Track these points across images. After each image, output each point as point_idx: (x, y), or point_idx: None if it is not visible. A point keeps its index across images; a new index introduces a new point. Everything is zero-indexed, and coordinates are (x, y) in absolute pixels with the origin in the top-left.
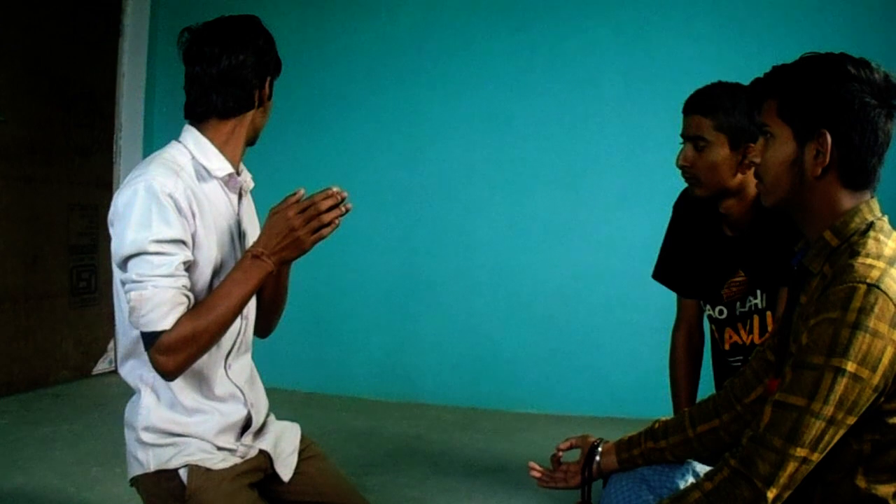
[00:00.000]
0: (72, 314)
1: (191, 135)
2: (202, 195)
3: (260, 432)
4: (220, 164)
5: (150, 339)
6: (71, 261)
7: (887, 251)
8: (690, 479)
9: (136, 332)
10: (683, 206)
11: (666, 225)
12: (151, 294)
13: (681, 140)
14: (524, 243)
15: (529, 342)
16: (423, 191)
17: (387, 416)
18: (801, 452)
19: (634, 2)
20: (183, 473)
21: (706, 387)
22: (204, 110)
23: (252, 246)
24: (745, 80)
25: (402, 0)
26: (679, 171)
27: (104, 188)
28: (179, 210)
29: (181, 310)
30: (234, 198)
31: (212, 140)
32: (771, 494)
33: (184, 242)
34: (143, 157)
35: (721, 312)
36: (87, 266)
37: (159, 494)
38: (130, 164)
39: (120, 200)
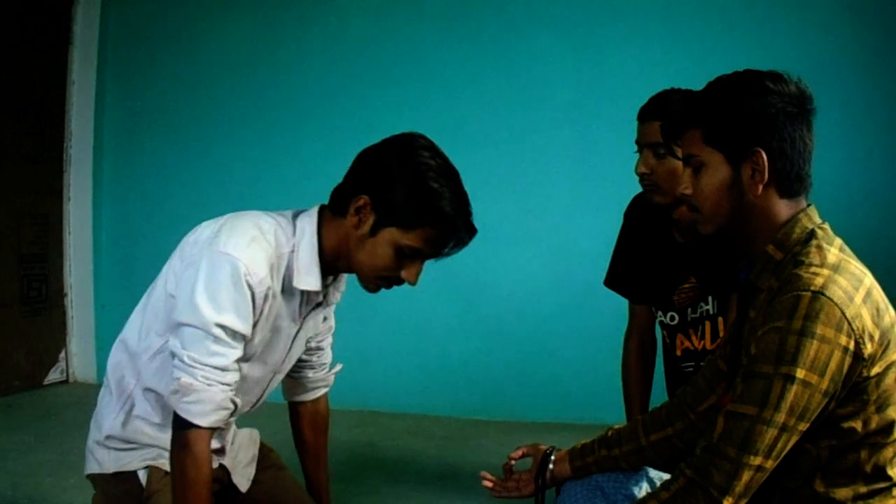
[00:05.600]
0: (22, 323)
1: (308, 226)
2: (278, 296)
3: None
4: (309, 281)
5: (181, 423)
6: (21, 269)
7: (831, 258)
8: (645, 486)
9: (154, 336)
10: (634, 213)
11: (617, 232)
12: (201, 388)
13: (636, 147)
14: (475, 250)
15: (480, 348)
16: None
17: (337, 423)
18: (755, 460)
19: (584, 9)
20: (142, 475)
21: (658, 392)
22: (333, 193)
23: None
24: (695, 87)
25: (353, 8)
26: (628, 178)
27: (55, 196)
28: (254, 302)
29: (224, 415)
30: (307, 307)
31: (322, 240)
32: (727, 503)
33: (244, 337)
34: (94, 165)
35: (673, 318)
36: (38, 275)
37: (115, 494)
38: (80, 173)
39: (204, 257)
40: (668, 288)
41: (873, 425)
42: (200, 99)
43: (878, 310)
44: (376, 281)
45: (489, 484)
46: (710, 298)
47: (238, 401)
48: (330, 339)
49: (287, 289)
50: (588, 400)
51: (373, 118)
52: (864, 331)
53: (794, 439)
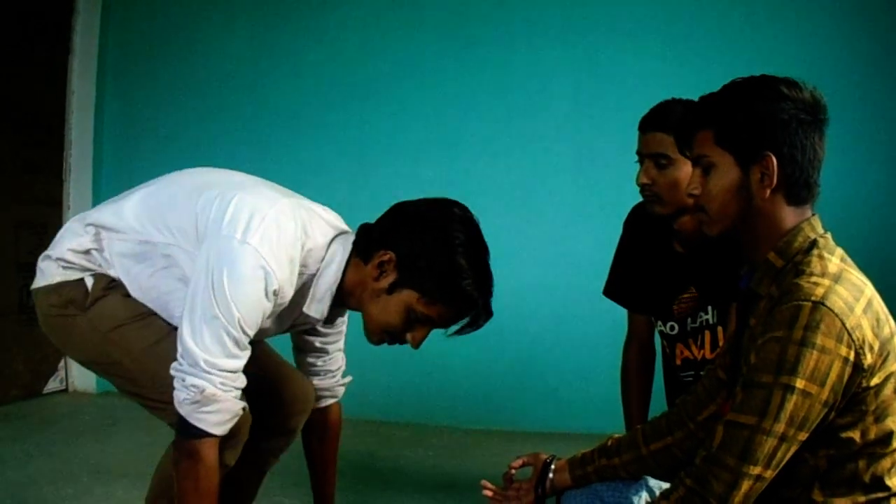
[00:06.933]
0: (21, 333)
1: (340, 257)
2: (284, 304)
3: None
4: (318, 308)
5: (194, 432)
6: (20, 279)
7: (832, 268)
8: (644, 495)
9: (152, 227)
10: (634, 223)
11: (616, 241)
12: (222, 398)
13: (636, 158)
14: None
15: (479, 358)
16: (371, 209)
17: None
18: (754, 470)
19: (582, 19)
20: (88, 281)
21: (658, 402)
22: (361, 232)
23: None
24: (696, 97)
25: (351, 19)
26: (627, 187)
27: (54, 206)
28: (271, 306)
29: (234, 422)
30: (297, 326)
31: (345, 277)
32: None
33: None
34: (93, 176)
35: (672, 328)
36: None
37: (59, 303)
38: (80, 183)
39: (247, 255)
40: (668, 298)
41: (872, 435)
42: (199, 110)
43: (878, 320)
44: (380, 335)
45: (489, 493)
46: (709, 308)
47: (246, 407)
48: (339, 344)
49: (290, 304)
50: (588, 409)
51: (372, 129)
52: (864, 341)
53: (793, 449)
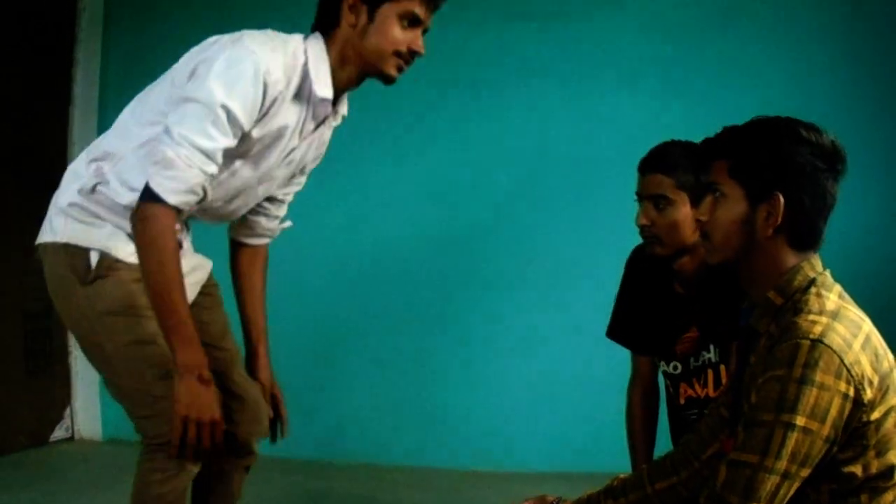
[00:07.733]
0: (27, 380)
1: (316, 42)
2: (287, 101)
3: None
4: (325, 90)
5: (150, 195)
6: (25, 325)
7: (830, 305)
8: None
9: (147, 126)
10: (635, 264)
11: (617, 282)
12: (181, 167)
13: (636, 199)
14: (475, 302)
15: (482, 400)
16: (370, 253)
17: (338, 477)
18: None
19: (580, 62)
20: (93, 256)
21: (663, 441)
22: (316, 22)
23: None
24: (689, 137)
25: None
26: (626, 228)
27: None
28: (264, 99)
29: (192, 199)
30: (311, 122)
31: (331, 54)
32: None
33: (241, 130)
34: None
35: (675, 368)
36: (42, 330)
37: (63, 264)
38: None
39: (226, 49)
40: (670, 338)
41: (873, 470)
42: None
43: (876, 355)
44: (393, 59)
45: None
46: (711, 347)
47: (209, 190)
48: (291, 198)
49: (297, 97)
50: (593, 449)
51: (368, 169)
52: (863, 377)
53: (795, 486)
